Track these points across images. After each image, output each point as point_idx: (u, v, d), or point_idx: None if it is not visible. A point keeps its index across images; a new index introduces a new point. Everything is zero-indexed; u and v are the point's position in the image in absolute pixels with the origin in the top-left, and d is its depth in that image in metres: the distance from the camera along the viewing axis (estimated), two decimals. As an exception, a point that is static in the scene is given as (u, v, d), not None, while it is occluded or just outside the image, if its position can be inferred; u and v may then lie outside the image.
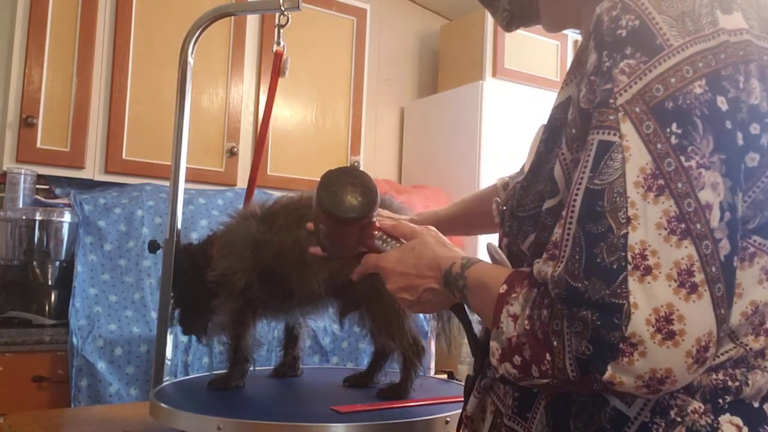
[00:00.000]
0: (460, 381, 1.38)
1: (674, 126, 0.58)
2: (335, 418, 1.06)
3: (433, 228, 0.89)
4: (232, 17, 2.50)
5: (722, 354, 0.64)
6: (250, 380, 1.33)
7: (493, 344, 0.67)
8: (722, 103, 0.59)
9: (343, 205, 0.90)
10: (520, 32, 3.03)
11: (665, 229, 0.56)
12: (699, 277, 0.56)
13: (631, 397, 0.64)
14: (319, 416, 1.09)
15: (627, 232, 0.57)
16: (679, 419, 0.62)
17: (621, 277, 0.56)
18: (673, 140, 0.58)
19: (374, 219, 0.92)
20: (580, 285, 0.58)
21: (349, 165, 0.95)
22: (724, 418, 0.63)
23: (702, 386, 0.63)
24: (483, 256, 0.84)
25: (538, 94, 2.99)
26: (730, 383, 0.63)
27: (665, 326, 0.55)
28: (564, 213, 0.62)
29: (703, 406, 0.63)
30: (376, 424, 1.03)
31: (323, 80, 2.77)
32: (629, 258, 0.56)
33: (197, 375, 1.68)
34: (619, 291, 0.56)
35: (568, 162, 0.67)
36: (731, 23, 0.62)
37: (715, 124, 0.59)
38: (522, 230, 0.74)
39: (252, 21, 2.62)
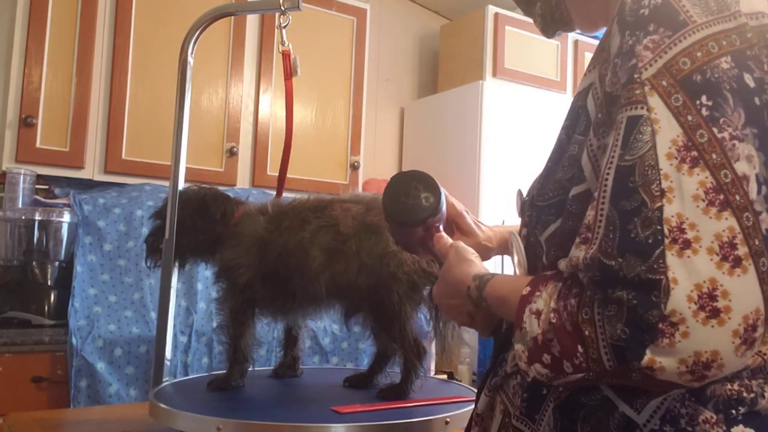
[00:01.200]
0: (460, 381, 1.38)
1: (704, 98, 0.57)
2: (335, 419, 1.05)
3: (456, 244, 0.86)
4: (232, 17, 2.49)
5: None
6: (250, 380, 1.32)
7: (519, 347, 0.64)
8: (749, 80, 0.58)
9: (404, 210, 0.91)
10: (520, 32, 3.04)
11: (703, 200, 0.54)
12: (743, 251, 0.53)
13: (641, 404, 0.61)
14: (319, 416, 1.08)
15: (662, 205, 0.54)
16: (689, 428, 0.60)
17: (658, 251, 0.53)
18: (704, 112, 0.56)
19: (437, 225, 0.92)
20: (613, 263, 0.55)
21: (420, 171, 0.97)
22: (737, 429, 0.60)
23: (715, 395, 0.60)
24: (485, 263, 0.85)
25: (539, 94, 2.99)
26: (745, 394, 0.61)
27: (709, 303, 0.52)
28: (596, 194, 0.60)
29: (715, 416, 0.60)
30: (376, 424, 1.03)
31: (323, 80, 2.77)
32: (666, 231, 0.54)
33: (197, 375, 1.68)
34: (656, 266, 0.53)
35: (595, 149, 0.65)
36: (751, 6, 0.61)
37: (745, 99, 0.57)
38: (541, 220, 0.72)
39: (252, 21, 2.61)
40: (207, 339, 2.13)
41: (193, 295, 2.20)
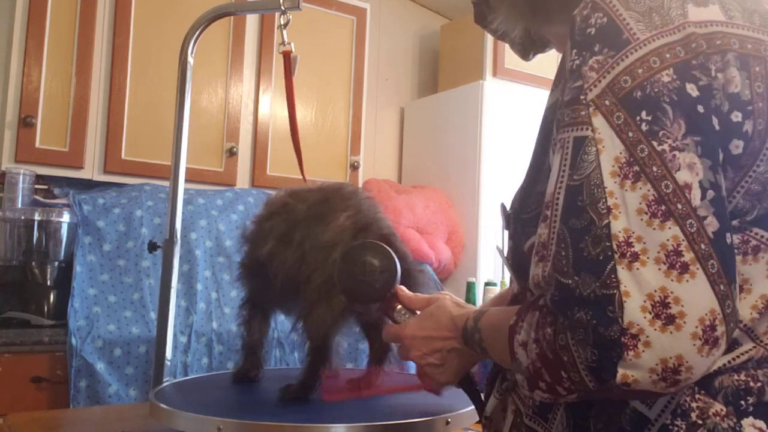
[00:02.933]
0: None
1: (644, 113, 0.59)
2: (335, 419, 1.05)
3: (448, 292, 0.91)
4: (232, 17, 2.49)
5: (743, 354, 0.63)
6: (250, 380, 1.32)
7: (519, 377, 0.67)
8: (692, 89, 0.60)
9: (361, 288, 0.92)
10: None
11: (646, 213, 0.56)
12: (688, 256, 0.55)
13: (651, 398, 0.63)
14: (320, 416, 1.08)
15: (609, 222, 0.57)
16: (700, 422, 0.61)
17: (609, 267, 0.56)
18: (644, 127, 0.59)
19: (394, 292, 0.94)
20: (570, 281, 0.58)
21: (372, 241, 0.97)
22: (747, 422, 0.61)
23: (724, 387, 0.62)
24: (484, 257, 0.86)
25: (539, 93, 2.99)
26: (752, 384, 0.62)
27: (663, 311, 0.54)
28: (549, 213, 0.62)
29: (725, 409, 0.61)
30: (376, 424, 1.02)
31: (323, 80, 2.77)
32: (614, 247, 0.56)
33: (197, 375, 1.67)
34: (608, 282, 0.56)
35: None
36: (701, 16, 0.63)
37: (685, 109, 0.59)
38: (525, 232, 0.74)
39: (251, 21, 2.61)
40: (207, 339, 2.13)
41: (193, 295, 2.19)
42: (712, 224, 0.57)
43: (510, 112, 2.90)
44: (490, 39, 2.97)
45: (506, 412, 0.78)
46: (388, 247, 0.94)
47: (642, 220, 0.56)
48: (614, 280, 0.55)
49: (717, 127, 0.60)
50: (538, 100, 2.93)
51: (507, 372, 0.78)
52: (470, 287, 2.40)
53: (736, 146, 0.62)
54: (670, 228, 0.56)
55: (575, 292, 0.57)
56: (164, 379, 1.40)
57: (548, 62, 3.11)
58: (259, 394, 1.29)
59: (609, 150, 0.59)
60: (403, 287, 0.95)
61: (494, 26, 0.90)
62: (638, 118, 0.59)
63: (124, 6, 2.36)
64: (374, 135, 3.21)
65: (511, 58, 3.00)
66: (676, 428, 0.61)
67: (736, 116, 0.62)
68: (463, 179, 2.88)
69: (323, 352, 1.18)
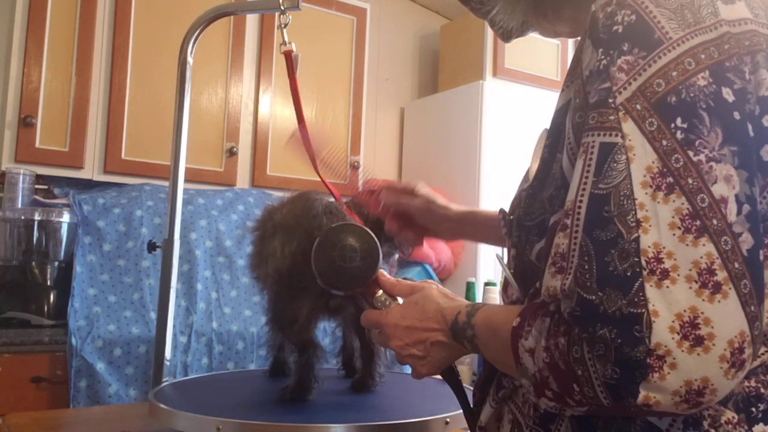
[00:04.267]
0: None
1: (679, 120, 0.56)
2: (335, 419, 1.05)
3: (434, 282, 0.86)
4: (232, 17, 2.49)
5: (755, 359, 0.60)
6: (250, 380, 1.32)
7: (524, 381, 0.64)
8: (728, 94, 0.57)
9: (339, 273, 0.86)
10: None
11: (679, 228, 0.54)
12: (722, 275, 0.53)
13: (668, 417, 0.60)
14: (319, 416, 1.08)
15: (638, 236, 0.54)
16: (712, 430, 0.59)
17: (637, 284, 0.53)
18: (679, 135, 0.55)
19: (375, 277, 0.88)
20: (594, 297, 0.55)
21: (350, 223, 0.92)
22: (758, 428, 0.59)
23: (734, 394, 0.60)
24: (483, 257, 0.84)
25: (539, 93, 2.99)
26: (762, 390, 0.60)
27: (691, 331, 0.52)
28: (569, 222, 0.59)
29: (736, 416, 0.59)
30: (376, 424, 1.03)
31: (323, 80, 2.77)
32: (643, 263, 0.53)
33: (197, 375, 1.68)
34: (636, 300, 0.53)
35: (568, 170, 0.65)
36: (733, 13, 0.60)
37: (722, 116, 0.56)
38: (530, 240, 0.71)
39: (251, 21, 2.61)
40: (207, 339, 2.13)
41: (192, 295, 2.19)
42: (746, 241, 0.55)
43: (510, 112, 2.90)
44: (490, 39, 2.97)
45: (502, 421, 0.75)
46: (368, 229, 0.89)
47: (674, 235, 0.53)
48: (642, 298, 0.53)
49: (752, 134, 0.57)
50: (538, 100, 2.93)
51: (504, 379, 0.75)
52: (470, 287, 2.40)
53: (767, 152, 0.59)
54: (704, 245, 0.53)
55: (599, 309, 0.54)
56: (164, 379, 1.40)
57: (548, 62, 3.11)
58: (258, 394, 1.29)
59: (641, 158, 0.56)
60: (383, 272, 0.90)
61: (491, 15, 0.86)
62: (673, 125, 0.56)
63: (124, 6, 2.36)
64: (374, 135, 3.21)
65: (511, 58, 3.00)
66: None
67: (767, 120, 0.59)
68: (463, 179, 2.88)
69: (307, 348, 1.18)
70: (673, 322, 0.52)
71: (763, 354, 0.61)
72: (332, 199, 1.15)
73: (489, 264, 2.78)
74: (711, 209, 0.54)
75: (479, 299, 2.48)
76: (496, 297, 2.24)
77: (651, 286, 0.53)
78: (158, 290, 1.46)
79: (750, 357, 0.54)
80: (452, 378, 0.86)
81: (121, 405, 1.89)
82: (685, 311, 0.52)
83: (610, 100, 0.58)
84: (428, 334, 0.79)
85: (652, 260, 0.53)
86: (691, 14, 0.59)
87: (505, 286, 0.80)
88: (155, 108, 2.38)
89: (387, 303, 0.87)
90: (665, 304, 0.52)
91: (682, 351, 0.52)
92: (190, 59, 1.48)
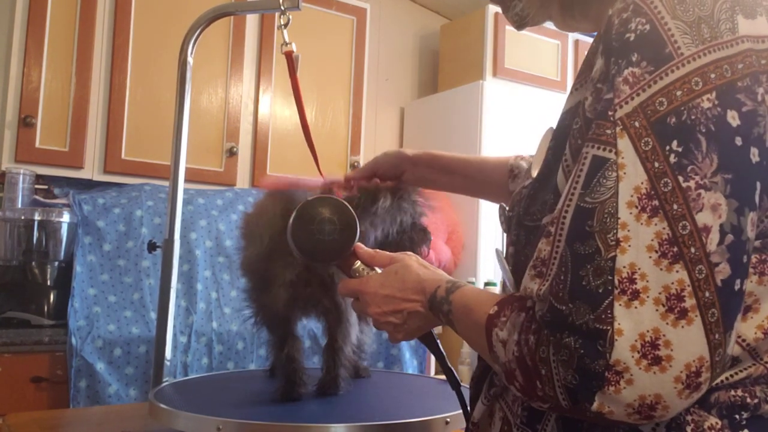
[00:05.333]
0: (460, 381, 1.37)
1: (675, 143, 0.55)
2: (335, 419, 1.05)
3: (413, 254, 0.87)
4: (232, 17, 2.49)
5: (741, 371, 0.61)
6: (250, 380, 1.32)
7: (496, 367, 0.66)
8: (733, 118, 0.56)
9: (318, 245, 0.86)
10: (521, 32, 3.03)
11: (656, 251, 0.54)
12: (690, 303, 0.54)
13: (622, 426, 0.61)
14: (320, 416, 1.08)
15: (615, 255, 0.55)
16: None
17: (607, 301, 0.54)
18: (672, 159, 0.55)
19: (353, 249, 0.89)
20: (564, 308, 0.56)
21: (325, 195, 0.93)
22: None
23: (719, 402, 0.61)
24: (483, 257, 0.84)
25: (539, 93, 2.99)
26: (749, 400, 0.61)
27: (651, 351, 0.53)
28: (553, 230, 0.60)
29: (719, 422, 0.60)
30: (375, 424, 1.03)
31: (323, 80, 2.77)
32: (616, 282, 0.54)
33: (197, 375, 1.68)
34: (603, 316, 0.54)
35: (561, 184, 0.65)
36: (755, 29, 0.58)
37: (721, 141, 0.55)
38: (529, 240, 0.71)
39: (251, 21, 2.61)
40: (207, 339, 2.13)
41: (192, 296, 2.19)
42: (723, 271, 0.55)
43: (510, 112, 2.90)
44: (490, 39, 2.97)
45: (494, 418, 0.75)
46: (344, 201, 0.89)
47: (651, 257, 0.54)
48: (610, 315, 0.54)
49: (755, 159, 0.56)
50: (538, 100, 2.94)
51: (495, 377, 0.76)
52: (470, 287, 2.40)
53: None
54: (677, 271, 0.54)
55: (568, 319, 0.56)
56: (164, 379, 1.40)
57: (548, 62, 3.11)
58: (258, 394, 1.29)
59: (630, 178, 0.56)
60: (361, 244, 0.90)
61: (514, 6, 0.84)
62: (668, 147, 0.55)
63: (124, 6, 2.36)
64: (374, 135, 3.21)
65: (511, 58, 3.00)
66: None
67: None
68: (463, 179, 2.88)
69: (286, 341, 1.18)
70: (635, 341, 0.54)
71: (749, 367, 0.62)
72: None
73: (489, 263, 2.79)
74: (691, 237, 0.54)
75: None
76: (496, 297, 2.24)
77: (620, 305, 0.54)
78: (158, 290, 1.46)
79: (707, 381, 0.55)
80: (430, 341, 0.89)
81: (121, 405, 1.89)
82: (648, 331, 0.54)
83: (610, 113, 0.58)
84: (407, 304, 0.81)
85: (625, 280, 0.54)
86: (708, 29, 0.57)
87: (504, 284, 0.81)
88: (155, 108, 2.38)
89: (365, 274, 0.88)
90: (631, 324, 0.54)
91: (640, 368, 0.53)
92: (190, 59, 1.48)
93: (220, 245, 2.33)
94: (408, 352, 2.41)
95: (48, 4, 2.22)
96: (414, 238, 1.26)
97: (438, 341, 0.91)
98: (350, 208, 0.88)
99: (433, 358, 2.45)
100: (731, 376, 0.61)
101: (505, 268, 0.77)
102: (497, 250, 0.80)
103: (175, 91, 1.48)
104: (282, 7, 1.35)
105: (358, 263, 0.89)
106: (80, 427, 1.33)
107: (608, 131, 0.57)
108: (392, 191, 1.17)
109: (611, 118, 0.57)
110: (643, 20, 0.58)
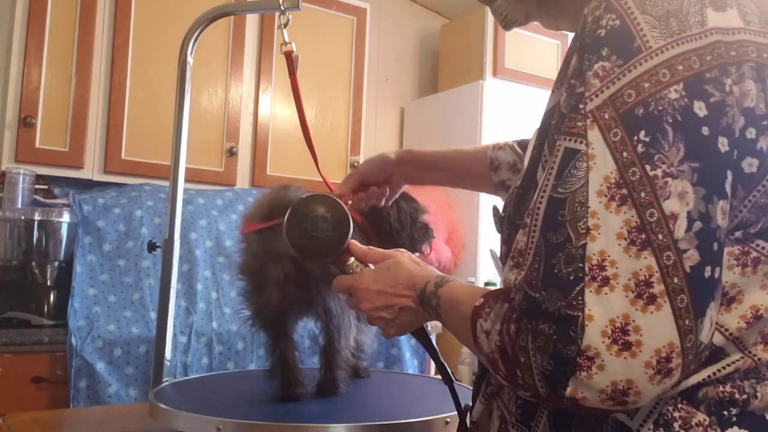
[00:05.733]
0: (460, 381, 1.38)
1: (642, 134, 0.57)
2: (335, 419, 1.05)
3: (405, 250, 0.89)
4: (232, 17, 2.49)
5: (729, 365, 0.62)
6: (250, 380, 1.32)
7: (481, 358, 0.68)
8: (700, 108, 0.57)
9: (312, 242, 0.89)
10: (520, 32, 3.03)
11: (625, 239, 0.55)
12: (658, 289, 0.55)
13: (632, 408, 0.61)
14: (320, 416, 1.08)
15: (585, 243, 0.56)
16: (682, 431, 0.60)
17: (577, 288, 0.56)
18: (640, 149, 0.56)
19: (347, 246, 0.91)
20: (537, 295, 0.58)
21: (319, 194, 0.95)
22: (731, 431, 0.61)
23: (708, 398, 0.61)
24: (483, 257, 0.85)
25: (539, 93, 2.99)
26: (737, 395, 0.61)
27: (621, 337, 0.54)
28: (529, 221, 0.62)
29: (708, 419, 0.60)
30: (375, 424, 1.03)
31: (323, 80, 2.77)
32: (586, 269, 0.56)
33: (197, 375, 1.68)
34: (574, 303, 0.55)
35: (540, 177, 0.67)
36: (725, 21, 0.60)
37: (688, 131, 0.56)
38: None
39: (251, 21, 2.61)
40: (207, 339, 2.13)
41: (192, 295, 2.19)
42: (691, 258, 0.56)
43: (510, 112, 2.90)
44: (490, 39, 2.97)
45: (492, 417, 0.77)
46: (338, 199, 0.91)
47: (620, 245, 0.55)
48: (581, 301, 0.55)
49: (724, 149, 0.58)
50: (538, 100, 2.93)
51: (491, 376, 0.77)
52: (470, 287, 2.40)
53: (750, 164, 0.60)
54: (645, 258, 0.55)
55: (541, 306, 0.57)
56: (164, 379, 1.40)
57: (548, 62, 3.11)
58: (258, 394, 1.29)
59: (600, 168, 0.57)
60: (355, 241, 0.92)
61: (496, 4, 0.89)
62: (636, 137, 0.57)
63: (124, 6, 2.36)
64: (374, 135, 3.21)
65: (510, 58, 3.00)
66: None
67: (750, 133, 0.59)
68: (463, 179, 2.88)
69: (279, 342, 1.18)
70: (606, 327, 0.55)
71: (737, 361, 0.62)
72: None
73: (489, 263, 2.78)
74: (659, 224, 0.55)
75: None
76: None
77: (590, 291, 0.55)
78: (158, 290, 1.46)
79: (679, 367, 0.55)
80: (422, 336, 0.92)
81: (121, 405, 1.89)
82: (618, 317, 0.55)
83: (581, 106, 0.59)
84: (398, 299, 0.83)
85: (595, 267, 0.56)
86: (677, 22, 0.59)
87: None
88: (155, 108, 2.38)
89: (359, 270, 0.90)
90: (601, 310, 0.55)
91: (611, 354, 0.54)
92: (190, 59, 1.48)
93: (220, 245, 2.33)
94: (408, 352, 2.41)
95: (48, 4, 2.22)
96: (414, 236, 1.26)
97: (431, 336, 0.93)
98: (344, 206, 0.90)
99: (432, 362, 2.46)
100: (719, 371, 0.61)
101: (499, 267, 0.78)
102: (492, 251, 0.81)
103: (175, 91, 1.48)
104: (282, 7, 1.35)
105: (352, 260, 0.91)
106: (80, 427, 1.34)
107: (579, 123, 0.59)
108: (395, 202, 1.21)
109: (582, 111, 0.59)
110: (613, 16, 0.59)
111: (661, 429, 0.61)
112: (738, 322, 0.61)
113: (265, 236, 1.13)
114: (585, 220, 0.57)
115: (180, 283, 2.15)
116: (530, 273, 0.59)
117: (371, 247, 0.92)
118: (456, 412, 0.92)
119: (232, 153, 2.52)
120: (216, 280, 2.27)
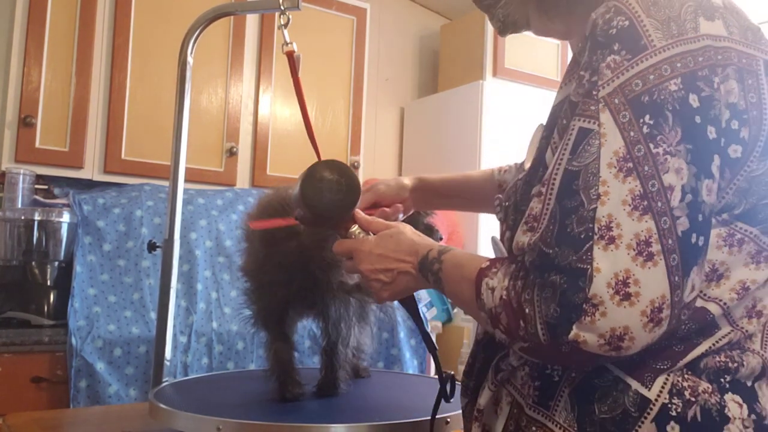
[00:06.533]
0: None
1: (647, 117, 0.66)
2: (335, 419, 1.05)
3: (408, 224, 0.94)
4: (232, 17, 2.49)
5: (723, 338, 0.71)
6: (250, 380, 1.32)
7: (482, 314, 0.74)
8: (694, 100, 0.66)
9: (325, 201, 0.93)
10: (521, 32, 3.03)
11: (629, 205, 0.64)
12: (656, 248, 0.63)
13: (648, 380, 0.69)
14: (320, 416, 1.08)
15: (596, 207, 0.64)
16: (693, 399, 0.68)
17: (587, 245, 0.64)
18: (645, 129, 0.65)
19: (352, 213, 0.96)
20: (551, 251, 0.66)
21: (336, 160, 0.99)
22: (728, 397, 0.69)
23: (708, 368, 0.70)
24: (484, 249, 0.86)
25: (539, 93, 2.99)
26: (730, 364, 0.70)
27: (623, 288, 0.62)
28: (544, 190, 0.69)
29: (710, 386, 0.69)
30: (375, 424, 1.03)
31: (323, 80, 2.77)
32: (596, 229, 0.64)
33: (197, 375, 1.68)
34: (584, 257, 0.63)
35: (549, 160, 0.73)
36: (714, 29, 0.70)
37: (684, 118, 0.66)
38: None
39: (251, 21, 2.61)
40: (207, 339, 2.13)
41: (192, 296, 2.19)
42: (683, 224, 0.65)
43: (510, 112, 2.90)
44: (490, 39, 2.97)
45: (500, 404, 0.80)
46: (349, 167, 0.97)
47: (624, 210, 0.64)
48: (590, 256, 0.63)
49: (712, 136, 0.67)
50: (538, 99, 2.93)
51: (502, 362, 0.81)
52: (470, 287, 2.40)
53: (735, 150, 0.69)
54: (646, 221, 0.64)
55: (554, 261, 0.65)
56: (164, 379, 1.40)
57: (548, 62, 3.11)
58: (258, 394, 1.29)
59: (610, 144, 0.66)
60: (359, 210, 0.97)
61: (495, 9, 0.95)
62: (642, 120, 0.65)
63: (124, 6, 2.36)
64: (374, 135, 3.21)
65: (510, 58, 3.00)
66: (674, 407, 0.68)
67: (734, 124, 0.69)
68: (463, 179, 2.88)
69: (276, 341, 1.18)
70: (611, 279, 0.63)
71: (728, 333, 0.71)
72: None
73: (489, 254, 2.78)
74: (659, 194, 0.64)
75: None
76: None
77: (599, 248, 0.64)
78: (158, 290, 1.46)
79: (667, 318, 0.64)
80: (411, 304, 0.96)
81: (121, 405, 1.89)
82: (620, 272, 0.63)
83: (594, 92, 0.68)
84: (398, 264, 0.88)
85: (603, 227, 0.64)
86: (676, 26, 0.68)
87: None
88: (155, 108, 2.38)
89: (361, 237, 0.94)
90: (608, 264, 0.63)
91: (613, 303, 0.62)
92: (190, 59, 1.48)
93: (220, 245, 2.33)
94: (408, 352, 2.41)
95: (48, 4, 2.22)
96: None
97: (419, 305, 0.98)
98: (355, 174, 0.96)
99: (432, 362, 2.46)
100: (715, 343, 0.71)
101: (501, 251, 0.84)
102: (493, 238, 0.85)
103: (175, 91, 1.48)
104: (282, 7, 1.35)
105: (355, 227, 0.95)
106: (80, 427, 1.34)
107: (592, 107, 0.68)
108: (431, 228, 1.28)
109: (595, 97, 0.68)
110: (623, 18, 0.69)
111: (676, 398, 0.68)
112: (730, 294, 0.71)
113: (269, 236, 1.14)
114: (596, 187, 0.65)
115: (180, 283, 2.15)
116: (545, 233, 0.67)
117: (374, 217, 0.97)
118: (439, 384, 0.97)
119: (232, 153, 2.52)
120: (216, 280, 2.27)
